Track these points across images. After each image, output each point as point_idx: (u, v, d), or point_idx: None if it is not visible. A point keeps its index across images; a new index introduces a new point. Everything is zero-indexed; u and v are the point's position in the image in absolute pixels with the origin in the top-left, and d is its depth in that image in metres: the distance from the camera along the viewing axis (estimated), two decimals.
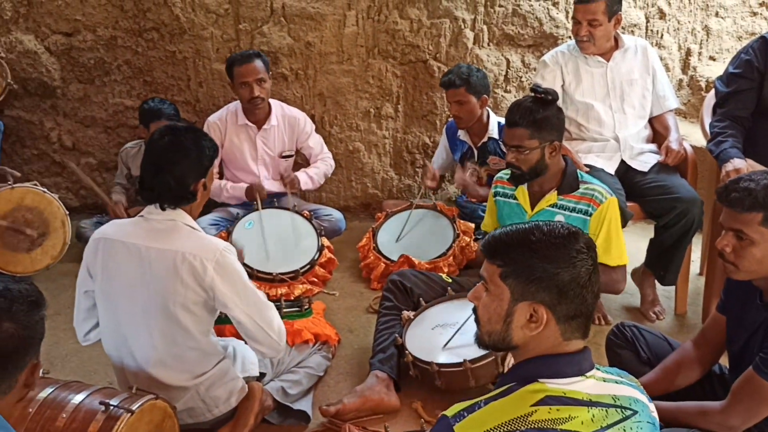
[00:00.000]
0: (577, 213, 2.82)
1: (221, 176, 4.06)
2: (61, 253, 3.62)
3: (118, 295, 2.28)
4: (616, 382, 1.52)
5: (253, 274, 3.44)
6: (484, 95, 3.72)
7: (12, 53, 4.26)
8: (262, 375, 2.68)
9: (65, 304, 3.41)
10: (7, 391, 1.53)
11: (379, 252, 3.74)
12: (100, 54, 4.31)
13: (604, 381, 1.50)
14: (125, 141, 4.43)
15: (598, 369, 1.51)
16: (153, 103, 4.05)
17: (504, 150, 3.13)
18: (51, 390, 2.08)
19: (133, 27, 4.26)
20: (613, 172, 3.40)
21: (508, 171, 3.02)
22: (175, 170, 2.22)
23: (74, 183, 4.65)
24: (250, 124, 3.93)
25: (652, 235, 3.37)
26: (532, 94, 2.78)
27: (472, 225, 3.76)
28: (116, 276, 2.27)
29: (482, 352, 2.54)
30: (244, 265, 2.56)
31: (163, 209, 2.26)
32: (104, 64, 4.34)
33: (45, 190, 3.59)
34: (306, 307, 3.12)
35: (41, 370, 1.65)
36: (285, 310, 3.04)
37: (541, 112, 2.73)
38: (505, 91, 4.49)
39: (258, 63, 3.76)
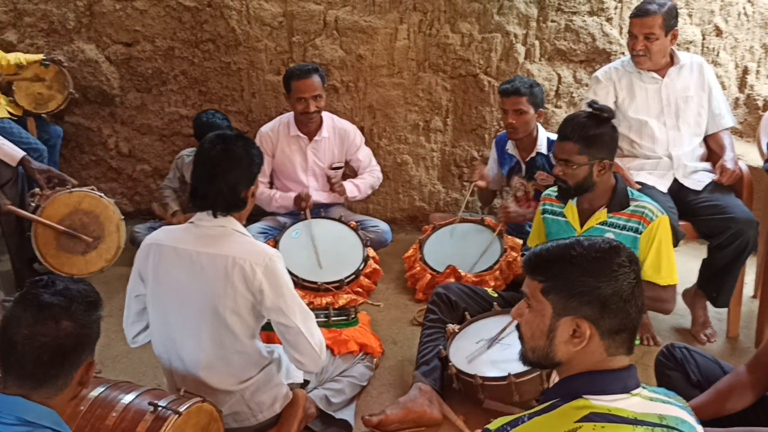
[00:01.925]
0: (628, 231, 2.78)
1: (271, 185, 4.13)
2: (115, 256, 3.72)
3: (169, 298, 2.33)
4: (664, 402, 1.49)
5: (299, 283, 3.47)
6: (541, 109, 3.71)
7: (74, 62, 4.41)
8: (306, 382, 2.71)
9: (117, 307, 3.49)
10: (62, 388, 1.59)
11: (426, 263, 3.74)
12: (158, 64, 4.44)
13: (651, 400, 1.47)
14: (179, 149, 4.54)
15: (644, 388, 1.49)
16: (207, 116, 4.15)
17: (552, 166, 3.11)
18: (102, 389, 2.14)
19: (190, 38, 4.37)
20: (665, 191, 3.34)
21: (556, 188, 3.01)
22: (228, 178, 2.27)
23: (129, 188, 4.78)
24: (301, 135, 3.99)
25: (704, 255, 3.30)
26: (589, 109, 2.76)
27: (520, 240, 3.74)
28: (167, 280, 2.32)
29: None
30: (290, 273, 2.59)
31: (216, 216, 2.31)
32: (161, 73, 4.46)
33: (102, 194, 3.70)
34: (353, 316, 3.14)
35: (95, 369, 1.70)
36: (333, 318, 3.07)
37: (594, 129, 2.71)
38: (556, 106, 4.46)
39: (316, 79, 3.81)
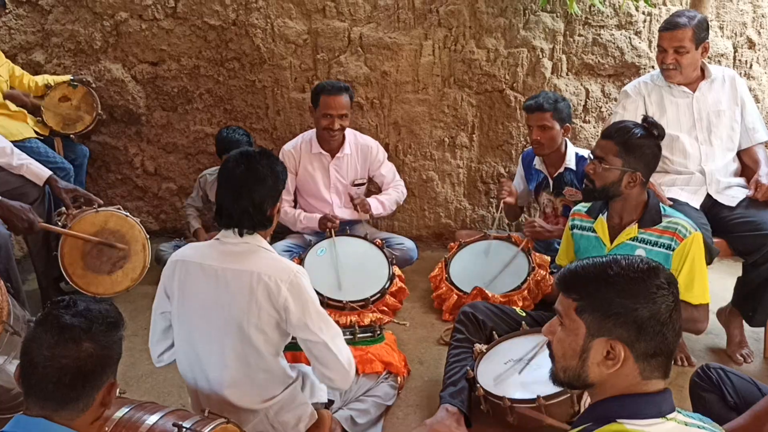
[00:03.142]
0: (659, 247, 2.73)
1: (295, 204, 4.13)
2: (141, 275, 3.72)
3: (194, 315, 2.33)
4: (699, 428, 1.46)
5: (324, 302, 3.47)
6: (567, 124, 3.68)
7: (101, 81, 4.47)
8: (331, 402, 2.68)
9: (142, 326, 3.52)
10: (84, 410, 1.59)
11: (452, 283, 3.71)
12: (184, 83, 4.49)
13: (686, 425, 1.44)
14: (205, 167, 4.58)
15: (679, 412, 1.46)
16: (228, 132, 4.18)
17: (581, 181, 3.08)
18: (126, 410, 2.13)
19: (216, 57, 4.41)
20: (698, 207, 3.28)
21: (586, 204, 2.97)
22: (254, 197, 2.27)
23: (155, 207, 4.82)
24: (323, 152, 4.00)
25: (739, 273, 3.23)
26: (640, 122, 2.75)
27: (548, 258, 3.70)
28: (192, 297, 2.33)
29: (557, 389, 2.48)
30: (316, 292, 2.57)
31: (242, 235, 2.31)
32: (187, 92, 4.51)
33: (127, 214, 3.71)
34: (379, 332, 3.13)
35: (117, 390, 1.70)
36: (359, 335, 3.06)
37: (638, 139, 2.70)
38: (584, 121, 4.43)
39: (345, 98, 3.83)
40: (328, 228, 3.86)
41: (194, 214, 4.35)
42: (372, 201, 4.05)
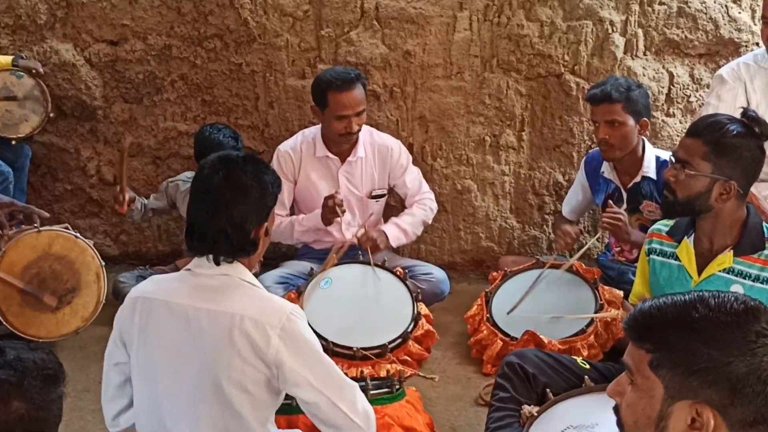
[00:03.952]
0: (762, 283, 2.71)
1: (292, 214, 4.14)
2: (94, 313, 3.75)
3: (158, 369, 2.33)
4: None
5: (329, 349, 3.46)
6: (645, 118, 3.66)
7: (46, 65, 4.52)
8: None
9: (95, 379, 3.53)
10: None
11: (495, 325, 3.70)
12: (151, 67, 4.54)
13: None
14: (177, 174, 4.59)
15: None
16: (210, 131, 4.19)
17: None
18: None
19: (192, 34, 4.46)
20: None
21: (667, 222, 2.94)
22: (233, 213, 2.27)
23: (114, 226, 4.85)
24: (331, 155, 4.02)
25: None
26: (739, 116, 2.73)
27: (620, 293, 3.67)
28: (156, 345, 2.33)
29: None
30: (318, 336, 2.57)
31: (218, 263, 2.32)
32: (155, 79, 4.56)
33: (77, 234, 3.75)
34: (398, 388, 3.13)
35: None
36: (372, 392, 3.05)
37: (734, 137, 2.67)
38: (667, 114, 4.41)
39: (359, 90, 3.86)
40: (332, 208, 3.81)
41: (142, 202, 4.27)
42: (390, 229, 4.05)
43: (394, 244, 4.05)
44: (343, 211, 3.87)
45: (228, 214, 2.27)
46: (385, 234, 4.01)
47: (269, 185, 2.35)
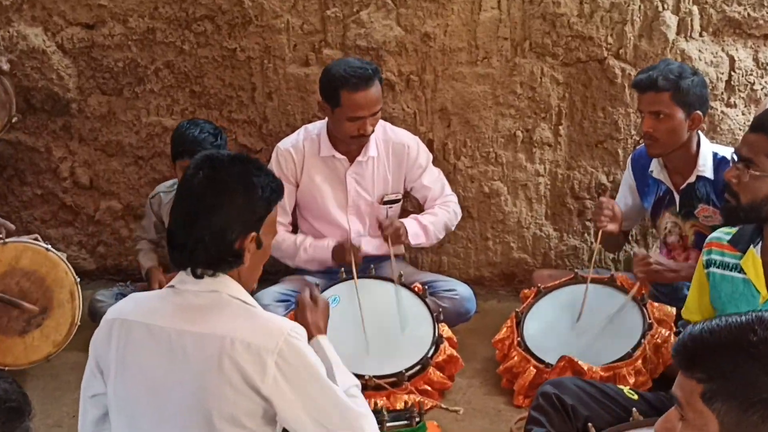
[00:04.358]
0: None
1: (295, 229, 4.14)
2: (68, 337, 3.75)
3: (138, 402, 2.33)
4: None
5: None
6: (698, 111, 3.64)
7: (12, 53, 4.54)
8: None
9: (70, 412, 3.54)
10: None
11: (528, 349, 3.69)
12: (132, 54, 4.55)
13: None
14: (163, 177, 4.62)
15: None
16: (187, 126, 4.15)
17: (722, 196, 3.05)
18: None
19: (179, 16, 4.47)
20: None
21: (729, 230, 2.93)
22: (213, 219, 2.27)
23: (90, 236, 4.87)
24: (338, 155, 4.02)
25: None
26: None
27: (673, 310, 3.65)
28: (136, 374, 2.32)
29: None
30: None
31: (197, 276, 2.31)
32: (137, 67, 4.57)
33: (49, 246, 3.75)
34: (418, 421, 3.13)
35: None
36: (389, 424, 3.07)
37: None
38: (727, 104, 4.38)
39: (377, 88, 3.86)
40: (348, 262, 3.86)
41: (147, 248, 4.37)
42: (410, 224, 4.06)
43: (413, 241, 4.05)
44: (357, 263, 3.88)
45: (207, 221, 2.27)
46: (405, 226, 4.01)
47: (259, 189, 2.32)
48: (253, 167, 2.37)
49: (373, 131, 3.91)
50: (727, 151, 3.65)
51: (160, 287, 3.91)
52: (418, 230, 4.07)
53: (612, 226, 3.83)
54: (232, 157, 2.38)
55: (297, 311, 2.88)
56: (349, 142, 3.96)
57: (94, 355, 2.42)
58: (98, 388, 2.42)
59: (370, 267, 3.99)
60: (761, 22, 4.28)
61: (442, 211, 4.16)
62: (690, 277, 3.44)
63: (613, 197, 4.09)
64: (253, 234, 2.33)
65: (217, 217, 2.27)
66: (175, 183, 4.37)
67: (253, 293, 2.47)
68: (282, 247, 3.98)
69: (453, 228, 4.24)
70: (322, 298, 2.92)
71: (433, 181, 4.17)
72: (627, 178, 4.05)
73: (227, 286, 2.33)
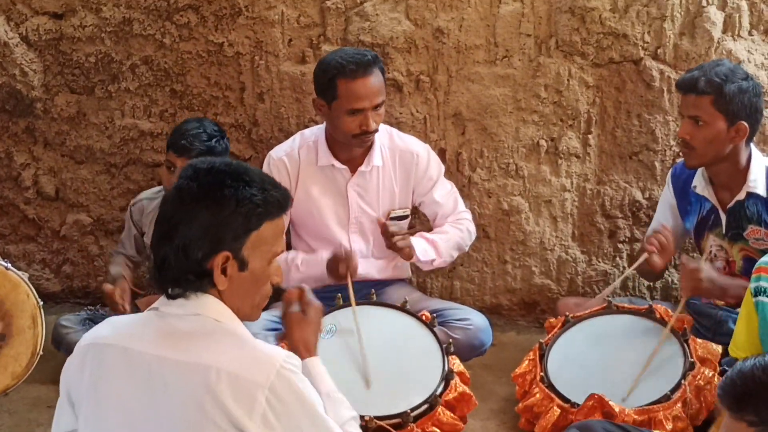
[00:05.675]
0: None
1: (288, 246, 4.14)
2: (28, 368, 3.75)
3: None
4: None
5: None
6: (743, 122, 3.64)
7: None
8: None
9: None
10: None
11: (552, 386, 3.68)
12: (105, 47, 4.56)
13: None
14: (138, 188, 4.62)
15: None
16: (188, 120, 4.19)
17: None
18: None
19: (159, 5, 4.48)
20: None
21: None
22: (176, 234, 2.28)
23: (55, 254, 4.87)
24: (338, 165, 4.03)
25: None
26: None
27: (719, 348, 3.65)
28: (110, 406, 2.31)
29: None
30: None
31: (169, 296, 2.32)
32: (111, 63, 4.59)
33: (8, 265, 3.75)
34: None
35: None
36: None
37: None
38: None
39: (377, 76, 3.88)
40: (343, 274, 3.86)
41: (122, 261, 4.36)
42: (418, 242, 4.05)
43: (421, 257, 4.03)
44: (352, 276, 3.87)
45: (170, 236, 2.28)
46: (413, 245, 4.00)
47: (232, 202, 2.31)
48: (229, 177, 2.33)
49: (377, 129, 3.91)
50: None
51: (122, 301, 3.95)
52: (427, 248, 4.05)
53: (658, 259, 3.79)
54: (212, 166, 2.35)
55: (285, 332, 2.89)
56: (351, 143, 3.96)
57: (65, 386, 2.41)
58: (71, 423, 2.42)
59: (373, 292, 3.99)
60: None
61: (454, 230, 4.16)
62: (737, 297, 3.46)
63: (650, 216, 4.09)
64: (226, 254, 2.32)
65: (184, 232, 2.27)
66: (159, 191, 4.38)
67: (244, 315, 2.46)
68: None
69: (467, 248, 4.24)
70: (313, 303, 2.89)
71: (444, 195, 4.18)
72: (666, 195, 4.04)
73: (210, 308, 2.32)
